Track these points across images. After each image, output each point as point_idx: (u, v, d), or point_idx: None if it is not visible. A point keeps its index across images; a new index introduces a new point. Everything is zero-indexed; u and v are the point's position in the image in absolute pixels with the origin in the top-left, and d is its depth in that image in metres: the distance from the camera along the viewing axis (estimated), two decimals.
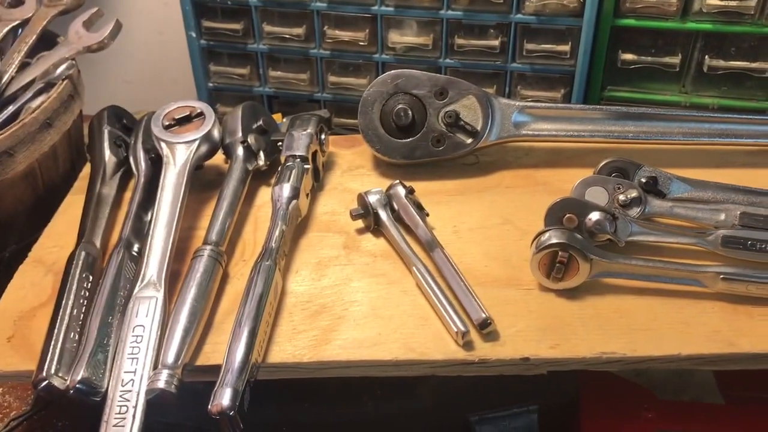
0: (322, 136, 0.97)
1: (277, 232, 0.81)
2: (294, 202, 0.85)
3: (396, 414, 0.80)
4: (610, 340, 0.71)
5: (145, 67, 1.73)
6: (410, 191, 0.88)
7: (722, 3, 1.15)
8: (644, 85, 1.27)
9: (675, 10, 1.17)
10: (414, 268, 0.79)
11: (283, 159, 0.92)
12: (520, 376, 0.73)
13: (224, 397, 0.62)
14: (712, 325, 0.72)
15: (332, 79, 1.37)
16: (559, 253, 0.75)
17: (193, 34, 1.36)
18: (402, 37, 1.29)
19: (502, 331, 0.73)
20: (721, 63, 1.20)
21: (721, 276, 0.73)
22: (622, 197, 0.82)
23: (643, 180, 0.85)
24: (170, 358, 0.67)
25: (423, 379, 0.74)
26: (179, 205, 0.83)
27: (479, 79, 1.30)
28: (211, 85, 1.44)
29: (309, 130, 0.94)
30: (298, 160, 0.91)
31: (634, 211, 0.82)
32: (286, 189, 0.86)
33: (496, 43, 1.25)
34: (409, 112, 0.93)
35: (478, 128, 0.93)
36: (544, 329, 0.73)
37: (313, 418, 0.83)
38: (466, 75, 1.30)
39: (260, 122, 0.98)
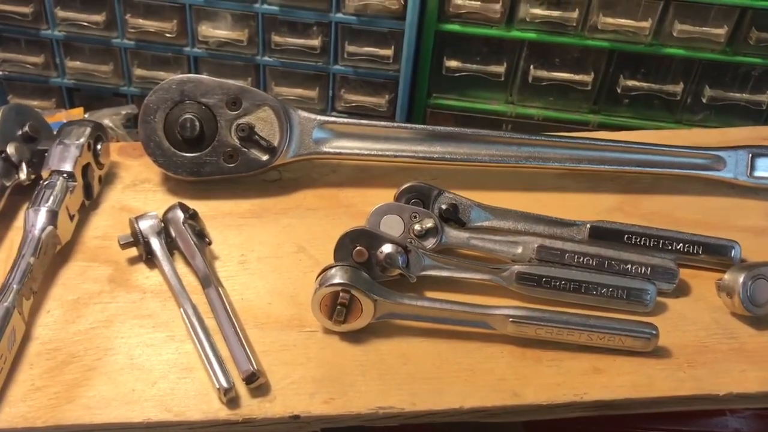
0: (98, 147, 0.85)
1: (22, 266, 0.69)
2: (50, 229, 0.73)
3: None
4: (389, 392, 0.65)
5: None
6: (191, 215, 0.78)
7: (545, 12, 1.12)
8: (471, 94, 1.23)
9: (500, 17, 1.13)
10: (182, 309, 0.70)
11: (45, 174, 0.79)
12: None
13: None
14: (498, 372, 0.68)
15: (139, 72, 1.24)
16: (341, 294, 0.68)
17: None
18: (215, 31, 1.17)
19: (275, 383, 0.65)
20: (546, 74, 1.18)
21: (510, 319, 0.68)
22: (417, 227, 0.76)
23: (443, 207, 0.80)
24: None
25: None
26: None
27: (302, 81, 1.22)
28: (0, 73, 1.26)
29: (80, 141, 0.82)
30: (64, 176, 0.79)
31: (430, 242, 0.76)
32: (41, 214, 0.74)
33: (316, 42, 1.16)
34: (197, 123, 0.83)
35: (275, 144, 0.85)
36: (321, 380, 0.66)
37: None
38: (287, 75, 1.21)
39: (26, 128, 0.84)
